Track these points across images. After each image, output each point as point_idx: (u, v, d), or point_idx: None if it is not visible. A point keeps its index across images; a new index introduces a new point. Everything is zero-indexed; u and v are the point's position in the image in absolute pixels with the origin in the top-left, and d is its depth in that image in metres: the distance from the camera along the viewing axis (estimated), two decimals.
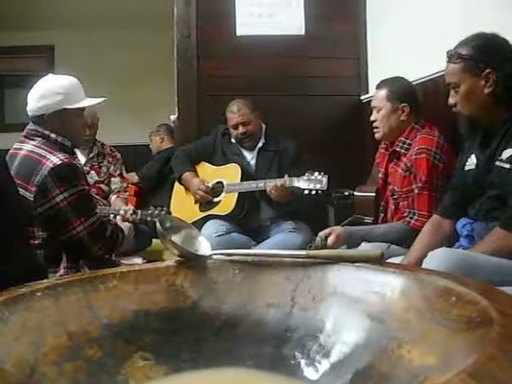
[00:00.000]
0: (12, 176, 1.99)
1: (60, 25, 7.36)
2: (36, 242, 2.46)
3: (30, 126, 2.62)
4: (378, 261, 1.15)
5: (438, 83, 3.20)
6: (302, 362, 1.05)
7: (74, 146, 2.69)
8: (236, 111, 3.74)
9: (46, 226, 2.46)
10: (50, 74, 2.71)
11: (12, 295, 0.99)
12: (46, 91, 2.61)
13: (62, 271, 2.49)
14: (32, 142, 2.54)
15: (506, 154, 1.99)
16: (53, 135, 2.56)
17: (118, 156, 4.34)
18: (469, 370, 0.59)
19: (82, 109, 2.72)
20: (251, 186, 3.53)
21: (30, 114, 2.63)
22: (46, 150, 2.50)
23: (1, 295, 0.98)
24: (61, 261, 2.51)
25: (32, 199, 2.42)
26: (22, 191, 2.38)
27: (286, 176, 3.37)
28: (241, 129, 3.72)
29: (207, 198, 3.73)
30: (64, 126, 2.61)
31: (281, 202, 3.51)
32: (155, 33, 6.75)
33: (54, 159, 2.46)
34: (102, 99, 2.80)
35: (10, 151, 2.59)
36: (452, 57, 2.15)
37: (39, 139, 2.55)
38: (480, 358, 0.63)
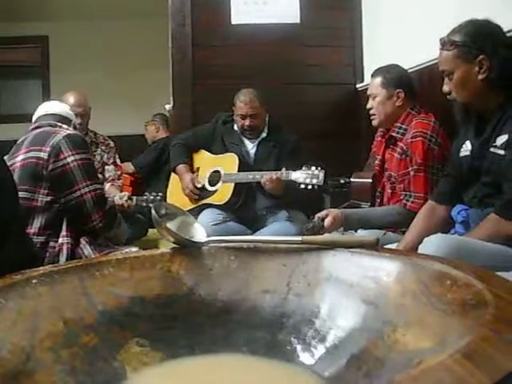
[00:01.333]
0: (8, 168, 2.00)
1: (54, 15, 7.33)
2: (38, 204, 2.51)
3: (44, 120, 2.80)
4: (374, 246, 1.15)
5: (433, 71, 3.19)
6: (298, 347, 1.05)
7: None
8: (248, 102, 3.68)
9: (53, 186, 2.54)
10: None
11: (7, 282, 0.99)
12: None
13: (60, 240, 2.53)
14: (44, 128, 2.72)
15: (500, 140, 1.99)
16: (65, 126, 2.77)
17: (112, 144, 4.33)
18: (463, 351, 0.60)
19: None
20: (248, 177, 3.52)
21: (57, 111, 2.88)
22: (59, 128, 2.71)
23: None
24: (60, 229, 2.55)
25: (46, 158, 2.53)
26: (36, 154, 2.55)
27: (284, 169, 3.37)
28: (248, 121, 3.67)
29: (193, 196, 3.72)
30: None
31: (275, 194, 3.51)
32: (150, 22, 6.73)
33: (68, 131, 2.68)
34: None
35: (20, 139, 2.74)
36: (445, 44, 2.14)
37: (50, 128, 2.72)
38: (474, 339, 0.64)
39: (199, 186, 3.76)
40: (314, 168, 3.23)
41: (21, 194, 2.37)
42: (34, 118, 2.86)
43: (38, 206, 2.52)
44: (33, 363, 0.88)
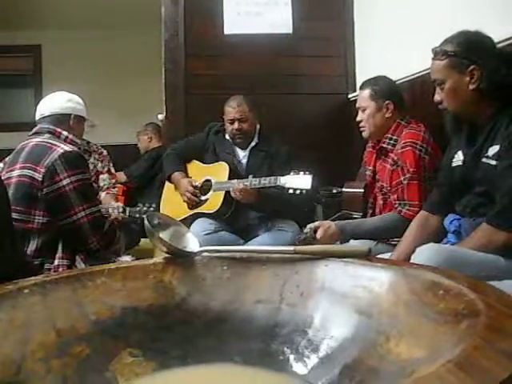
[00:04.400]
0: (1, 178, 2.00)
1: (47, 24, 7.32)
2: (34, 226, 2.47)
3: (44, 124, 2.70)
4: (366, 256, 1.15)
5: (424, 81, 3.21)
6: (291, 357, 1.05)
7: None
8: (235, 106, 3.72)
9: (49, 209, 2.48)
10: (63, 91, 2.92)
11: None
12: (72, 97, 2.87)
13: (56, 262, 2.49)
14: (42, 137, 2.63)
15: (491, 150, 2.00)
16: (64, 132, 2.69)
17: (105, 153, 4.33)
18: (455, 361, 0.60)
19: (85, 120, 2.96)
20: (238, 184, 3.52)
21: (53, 111, 2.78)
22: (57, 141, 2.61)
23: None
24: (56, 251, 2.51)
25: (40, 179, 2.46)
26: (31, 172, 2.47)
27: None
28: (236, 125, 3.70)
29: (194, 200, 3.72)
30: (77, 130, 2.82)
31: (249, 204, 3.51)
32: (143, 31, 6.73)
33: (65, 147, 2.56)
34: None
35: (19, 146, 2.68)
36: (437, 54, 2.16)
37: (49, 135, 2.63)
38: (466, 348, 0.64)
39: (198, 185, 3.75)
40: (301, 173, 3.23)
41: (15, 216, 2.35)
42: (36, 116, 2.84)
43: (34, 228, 2.47)
44: (24, 374, 0.87)
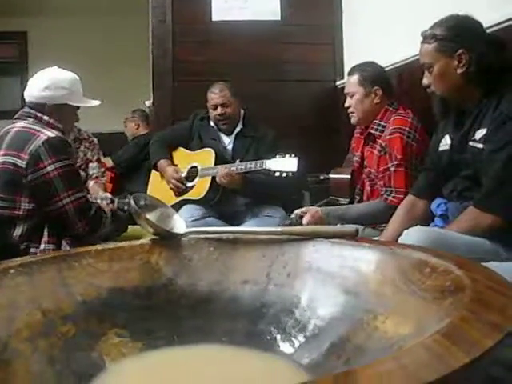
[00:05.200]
0: None
1: (33, 10, 7.27)
2: (20, 212, 2.45)
3: (25, 109, 2.65)
4: (353, 237, 1.15)
5: (412, 67, 3.20)
6: (278, 336, 1.06)
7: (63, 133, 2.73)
8: (218, 92, 3.72)
9: (34, 196, 2.46)
10: (55, 67, 2.75)
11: None
12: (52, 83, 2.66)
13: (42, 246, 2.48)
14: (24, 122, 2.57)
15: (479, 134, 2.00)
16: (45, 117, 2.60)
17: (95, 141, 4.30)
18: (442, 332, 0.60)
19: (78, 107, 2.79)
20: (224, 169, 3.52)
21: (29, 99, 2.65)
22: (40, 127, 2.53)
23: None
24: (42, 236, 2.50)
25: (24, 166, 2.42)
26: (14, 159, 2.42)
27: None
28: (219, 110, 3.70)
29: (180, 187, 3.71)
30: (59, 118, 2.67)
31: (236, 189, 3.51)
32: (130, 18, 6.69)
33: (49, 133, 2.49)
34: (99, 102, 2.87)
35: (2, 131, 2.61)
36: (426, 37, 2.15)
37: (31, 119, 2.58)
38: (453, 320, 0.64)
39: (184, 173, 3.75)
40: (287, 156, 3.23)
41: (0, 203, 2.34)
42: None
43: (20, 215, 2.45)
44: (10, 353, 0.87)
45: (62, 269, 1.08)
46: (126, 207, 3.35)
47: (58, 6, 7.15)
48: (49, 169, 2.41)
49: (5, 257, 1.11)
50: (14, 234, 2.42)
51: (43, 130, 2.48)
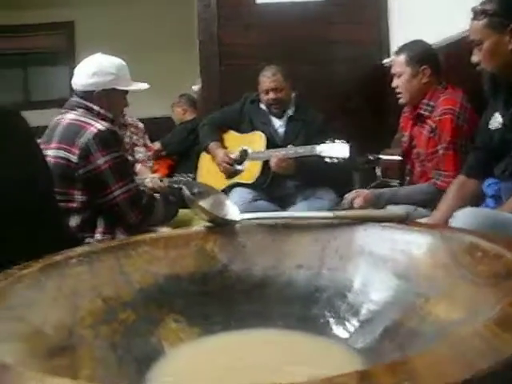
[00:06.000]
0: (39, 148, 2.03)
1: (79, 0, 7.37)
2: (75, 205, 2.51)
3: (74, 98, 2.69)
4: (404, 220, 1.16)
5: (461, 45, 3.15)
6: (332, 320, 1.07)
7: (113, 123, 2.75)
8: (270, 76, 3.74)
9: (86, 189, 2.52)
10: (100, 53, 2.77)
11: (47, 262, 1.02)
12: (99, 69, 2.69)
13: (98, 236, 2.54)
14: (74, 112, 2.62)
15: None
16: (96, 107, 2.63)
17: (141, 125, 4.37)
18: (494, 318, 0.61)
19: (127, 91, 2.82)
20: (274, 153, 3.54)
21: (77, 88, 2.70)
22: (90, 118, 2.58)
23: (37, 263, 1.01)
24: (96, 226, 2.55)
25: (75, 161, 2.48)
26: (66, 154, 2.48)
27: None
28: (271, 94, 3.72)
29: (230, 170, 3.75)
30: (109, 104, 2.71)
31: (288, 174, 3.53)
32: (175, 3, 6.73)
33: (98, 125, 2.53)
34: (147, 85, 2.90)
35: (52, 122, 2.67)
36: (476, 13, 2.12)
37: (82, 110, 2.62)
38: (505, 306, 0.65)
39: (234, 156, 3.78)
40: (338, 141, 3.23)
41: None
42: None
43: (74, 207, 2.51)
44: (75, 339, 0.91)
45: (119, 257, 1.11)
46: (175, 185, 3.39)
47: None
48: (99, 162, 2.45)
49: (65, 247, 1.15)
50: (70, 226, 2.48)
51: (92, 123, 2.51)
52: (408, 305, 0.97)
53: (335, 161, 3.21)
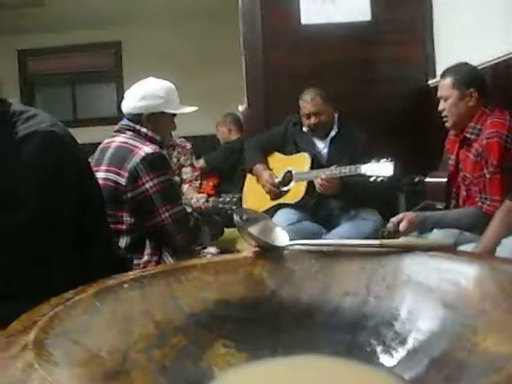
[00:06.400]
0: (92, 170, 2.09)
1: (126, 20, 7.51)
2: (123, 227, 2.56)
3: (124, 121, 2.75)
4: (451, 249, 1.16)
5: (509, 65, 3.14)
6: (378, 348, 1.07)
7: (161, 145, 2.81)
8: (309, 100, 3.77)
9: (135, 211, 2.57)
10: (151, 78, 2.85)
11: (102, 287, 1.05)
12: (149, 93, 2.78)
13: (145, 258, 2.58)
14: (123, 135, 2.69)
15: None
16: (144, 129, 2.69)
17: (188, 146, 4.43)
18: None
19: (175, 115, 2.86)
20: (319, 174, 3.55)
21: (126, 111, 2.78)
22: (138, 141, 2.64)
23: (91, 287, 1.04)
24: (144, 248, 2.59)
25: (124, 184, 2.53)
26: (115, 177, 2.57)
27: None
28: (312, 119, 3.75)
29: (275, 191, 3.77)
30: (157, 127, 2.77)
31: (333, 194, 3.53)
32: (221, 24, 6.81)
33: (146, 149, 2.60)
34: (196, 108, 2.92)
35: (102, 144, 2.78)
36: None
37: (131, 133, 2.68)
38: None
39: (279, 178, 3.81)
40: (383, 160, 3.23)
41: None
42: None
43: (123, 229, 2.56)
44: (129, 363, 0.93)
45: (170, 282, 1.14)
46: (220, 205, 3.43)
47: (149, 15, 7.36)
48: (147, 186, 2.50)
49: (117, 269, 1.18)
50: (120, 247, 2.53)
51: (141, 146, 2.57)
52: (455, 336, 0.97)
53: (379, 179, 3.21)
